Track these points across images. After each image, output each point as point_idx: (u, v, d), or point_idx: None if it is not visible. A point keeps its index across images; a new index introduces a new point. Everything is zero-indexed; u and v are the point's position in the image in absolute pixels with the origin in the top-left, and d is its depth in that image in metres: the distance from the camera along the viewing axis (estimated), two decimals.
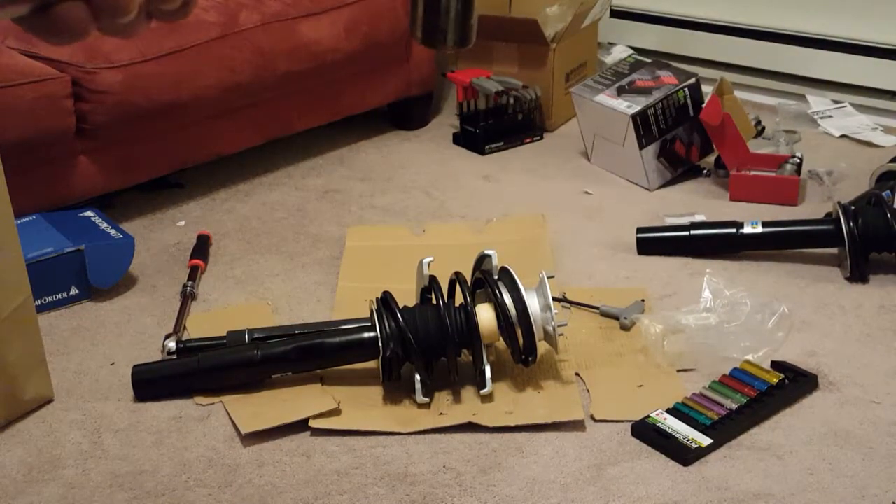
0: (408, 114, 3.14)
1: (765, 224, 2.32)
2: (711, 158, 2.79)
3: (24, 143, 2.25)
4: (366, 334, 1.86)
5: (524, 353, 1.84)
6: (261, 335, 1.95)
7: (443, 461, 1.71)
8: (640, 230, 2.40)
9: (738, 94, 2.86)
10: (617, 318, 2.08)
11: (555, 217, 2.54)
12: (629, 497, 1.62)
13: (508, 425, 1.78)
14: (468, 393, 1.87)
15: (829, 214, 2.34)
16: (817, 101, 3.20)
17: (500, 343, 1.92)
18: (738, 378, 1.88)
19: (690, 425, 1.75)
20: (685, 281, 2.25)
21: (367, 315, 1.91)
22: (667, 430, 1.75)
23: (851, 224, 2.20)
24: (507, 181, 2.80)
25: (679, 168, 2.77)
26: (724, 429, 1.76)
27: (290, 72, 2.68)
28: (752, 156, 2.69)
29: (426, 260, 1.93)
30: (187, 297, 2.19)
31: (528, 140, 3.04)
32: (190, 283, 2.23)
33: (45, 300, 2.15)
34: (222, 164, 2.78)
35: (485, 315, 1.84)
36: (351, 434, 1.78)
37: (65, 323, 2.14)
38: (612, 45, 3.59)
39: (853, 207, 2.26)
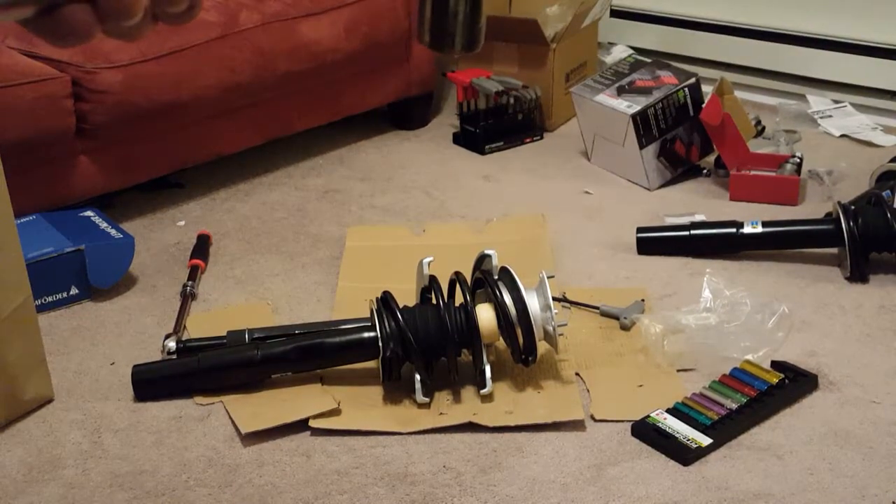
0: (408, 114, 3.14)
1: (765, 224, 2.32)
2: (711, 158, 2.79)
3: (24, 143, 2.25)
4: (366, 334, 1.86)
5: (524, 353, 1.84)
6: (261, 335, 1.95)
7: (443, 461, 1.71)
8: (640, 230, 2.41)
9: (738, 94, 2.86)
10: (617, 318, 2.08)
11: (555, 217, 2.54)
12: (629, 497, 1.62)
13: (508, 425, 1.78)
14: (468, 393, 1.87)
15: (829, 214, 2.34)
16: (817, 101, 3.20)
17: (500, 343, 1.92)
18: (738, 378, 1.88)
19: (690, 425, 1.75)
20: (685, 281, 2.25)
21: (367, 315, 1.91)
22: (667, 429, 1.75)
23: (851, 224, 2.20)
24: (507, 181, 2.80)
25: (679, 168, 2.77)
26: (724, 429, 1.76)
27: (290, 72, 2.68)
28: (752, 156, 2.69)
29: (426, 260, 1.93)
30: (187, 297, 2.19)
31: (528, 140, 3.04)
32: (190, 282, 2.23)
33: (45, 300, 2.15)
34: (222, 164, 2.78)
35: (485, 315, 1.84)
36: (351, 434, 1.78)
37: (65, 323, 2.14)
38: (612, 44, 3.59)
39: (853, 207, 2.26)
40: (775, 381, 1.85)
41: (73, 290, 2.19)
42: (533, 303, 1.82)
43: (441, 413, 1.82)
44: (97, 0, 0.54)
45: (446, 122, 3.19)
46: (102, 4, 0.54)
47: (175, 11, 0.58)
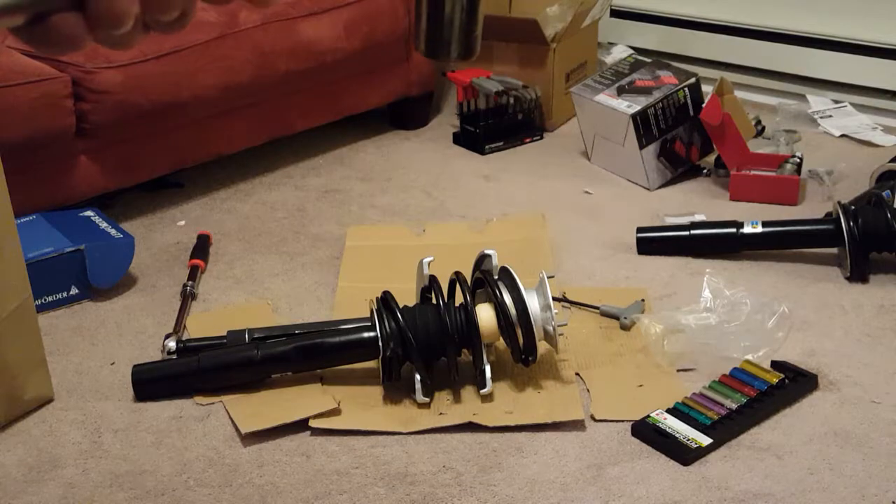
0: (408, 114, 3.14)
1: (765, 224, 2.32)
2: (711, 158, 2.79)
3: (24, 143, 2.25)
4: (366, 334, 1.86)
5: (524, 353, 1.84)
6: (261, 335, 1.95)
7: (443, 461, 1.71)
8: (640, 230, 2.41)
9: (738, 93, 2.86)
10: (617, 318, 2.08)
11: (555, 217, 2.54)
12: (629, 497, 1.62)
13: (508, 425, 1.78)
14: (468, 393, 1.87)
15: (829, 214, 2.34)
16: (817, 101, 3.20)
17: (500, 343, 1.92)
18: (738, 378, 1.88)
19: (690, 425, 1.75)
20: (685, 281, 2.25)
21: (367, 315, 1.91)
22: (667, 429, 1.75)
23: (851, 224, 2.20)
24: (507, 181, 2.80)
25: (679, 168, 2.77)
26: (724, 428, 1.76)
27: (290, 72, 2.68)
28: (752, 155, 2.69)
29: (426, 260, 1.93)
30: (187, 297, 2.19)
31: (527, 140, 3.04)
32: (190, 282, 2.23)
33: (45, 300, 2.15)
34: (222, 163, 2.78)
35: (485, 315, 1.84)
36: (351, 434, 1.78)
37: (65, 323, 2.14)
38: (612, 44, 3.59)
39: (853, 207, 2.26)
40: (775, 381, 1.85)
41: (73, 290, 2.19)
42: (533, 303, 1.82)
43: (441, 413, 1.82)
44: (87, 9, 0.54)
45: (446, 122, 3.19)
46: (92, 13, 0.54)
47: (166, 20, 0.57)
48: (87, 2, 0.53)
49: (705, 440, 1.72)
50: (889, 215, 2.21)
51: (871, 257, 2.24)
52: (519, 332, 1.82)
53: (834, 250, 2.32)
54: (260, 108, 2.71)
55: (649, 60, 2.93)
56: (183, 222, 2.58)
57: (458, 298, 1.89)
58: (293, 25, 2.68)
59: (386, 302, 1.87)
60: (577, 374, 1.92)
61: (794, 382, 1.87)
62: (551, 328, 1.83)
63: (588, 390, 1.88)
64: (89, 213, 2.34)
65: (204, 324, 2.11)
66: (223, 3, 0.60)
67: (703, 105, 2.71)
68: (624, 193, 2.71)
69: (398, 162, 2.93)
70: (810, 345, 2.01)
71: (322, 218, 2.59)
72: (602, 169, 2.84)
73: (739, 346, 1.97)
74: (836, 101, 3.19)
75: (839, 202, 2.28)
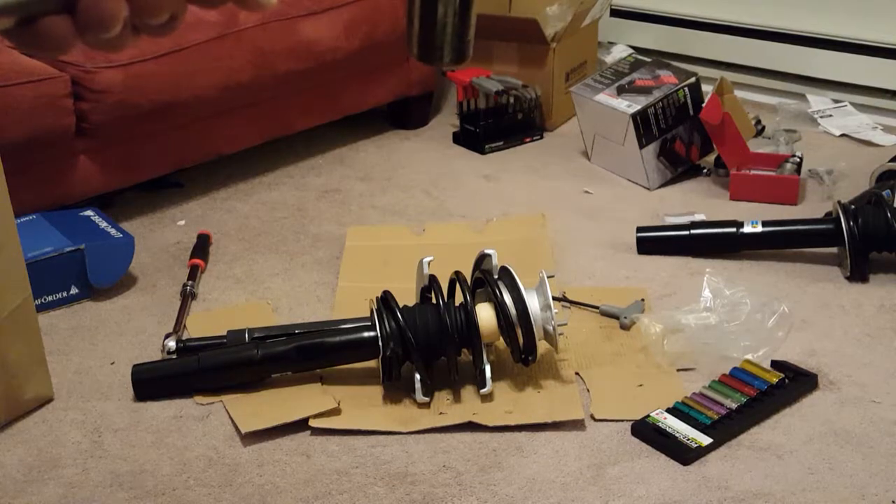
0: (407, 113, 3.14)
1: (765, 224, 2.32)
2: (711, 158, 2.79)
3: (24, 143, 2.25)
4: (366, 334, 1.86)
5: (524, 353, 1.84)
6: (261, 335, 1.95)
7: (443, 461, 1.71)
8: (640, 230, 2.41)
9: (738, 93, 2.86)
10: (617, 318, 2.08)
11: (555, 217, 2.54)
12: (629, 497, 1.62)
13: (508, 425, 1.78)
14: (468, 392, 1.87)
15: (829, 214, 2.34)
16: (817, 101, 3.20)
17: (500, 342, 1.92)
18: (738, 377, 1.88)
19: (690, 425, 1.75)
20: (685, 281, 2.25)
21: (367, 315, 1.91)
22: (667, 429, 1.75)
23: (851, 223, 2.20)
24: (507, 181, 2.80)
25: (679, 167, 2.77)
26: (724, 428, 1.76)
27: (289, 71, 2.68)
28: (752, 155, 2.69)
29: (426, 259, 1.93)
30: (187, 297, 2.19)
31: (527, 139, 3.04)
32: (190, 282, 2.23)
33: (45, 300, 2.15)
34: (222, 163, 2.78)
35: (485, 314, 1.84)
36: (351, 434, 1.78)
37: (65, 323, 2.14)
38: (612, 44, 3.59)
39: (853, 207, 2.26)
40: (775, 380, 1.85)
41: (73, 290, 2.19)
42: (533, 302, 1.82)
43: (441, 413, 1.82)
44: (76, 12, 0.54)
45: (446, 121, 3.19)
46: (81, 17, 0.54)
47: (155, 23, 0.57)
48: (76, 5, 0.53)
49: (705, 440, 1.72)
50: (889, 215, 2.21)
51: (871, 257, 2.24)
52: (519, 331, 1.82)
53: (834, 250, 2.31)
54: (260, 108, 2.71)
55: (649, 60, 2.92)
56: (183, 222, 2.58)
57: (458, 298, 1.89)
58: (293, 25, 2.67)
59: (386, 302, 1.87)
60: (577, 373, 1.92)
61: (794, 382, 1.87)
62: (551, 328, 1.83)
63: (588, 390, 1.88)
64: (89, 212, 2.34)
65: (204, 324, 2.11)
66: (214, 7, 0.60)
67: (703, 105, 2.71)
68: (624, 193, 2.71)
69: (398, 162, 2.93)
70: (810, 345, 2.01)
71: (322, 218, 2.59)
72: (602, 169, 2.84)
73: (739, 346, 1.97)
74: (836, 101, 3.19)
75: (839, 202, 2.28)
